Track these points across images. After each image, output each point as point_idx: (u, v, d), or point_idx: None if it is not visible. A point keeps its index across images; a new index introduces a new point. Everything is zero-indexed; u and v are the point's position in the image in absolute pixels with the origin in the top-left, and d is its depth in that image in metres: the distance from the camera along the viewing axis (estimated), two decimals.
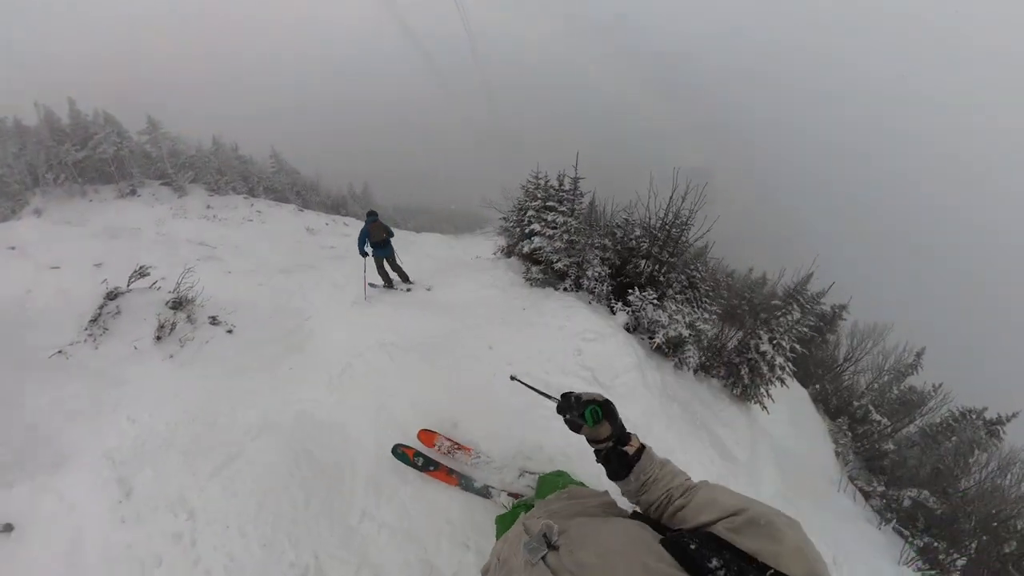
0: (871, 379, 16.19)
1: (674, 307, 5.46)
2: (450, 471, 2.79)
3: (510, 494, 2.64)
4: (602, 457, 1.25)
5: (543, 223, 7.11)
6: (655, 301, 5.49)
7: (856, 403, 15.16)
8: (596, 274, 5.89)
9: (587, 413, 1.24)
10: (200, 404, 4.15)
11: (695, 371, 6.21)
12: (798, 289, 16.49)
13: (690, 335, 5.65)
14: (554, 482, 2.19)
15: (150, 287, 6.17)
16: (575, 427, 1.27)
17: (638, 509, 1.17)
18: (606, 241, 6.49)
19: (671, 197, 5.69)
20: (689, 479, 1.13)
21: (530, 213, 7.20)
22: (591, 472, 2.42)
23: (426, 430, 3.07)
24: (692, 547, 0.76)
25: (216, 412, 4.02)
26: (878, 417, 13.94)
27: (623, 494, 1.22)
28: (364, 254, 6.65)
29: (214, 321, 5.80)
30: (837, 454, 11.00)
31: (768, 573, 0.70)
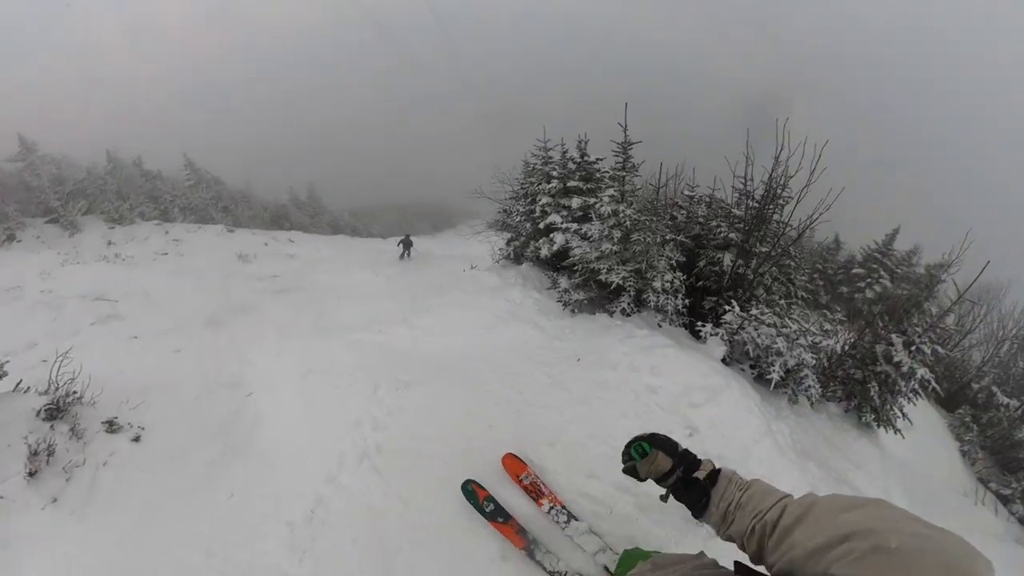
0: (988, 353, 15.36)
1: (794, 324, 4.57)
2: (520, 529, 2.73)
3: None
4: (677, 493, 1.36)
5: (565, 214, 6.20)
6: (766, 317, 4.58)
7: (975, 385, 14.43)
8: (666, 284, 4.98)
9: (633, 451, 1.44)
10: None
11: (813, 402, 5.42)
12: (883, 251, 15.69)
13: (815, 360, 4.82)
14: (638, 555, 2.26)
15: (14, 389, 5.17)
16: (633, 473, 1.46)
17: (745, 560, 1.12)
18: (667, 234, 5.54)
19: (775, 158, 4.72)
20: (787, 496, 1.11)
21: (544, 201, 6.28)
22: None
23: (513, 455, 3.10)
24: None
25: None
26: (1005, 399, 13.22)
27: (717, 533, 1.24)
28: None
29: (112, 427, 4.82)
30: (963, 454, 10.41)
31: None
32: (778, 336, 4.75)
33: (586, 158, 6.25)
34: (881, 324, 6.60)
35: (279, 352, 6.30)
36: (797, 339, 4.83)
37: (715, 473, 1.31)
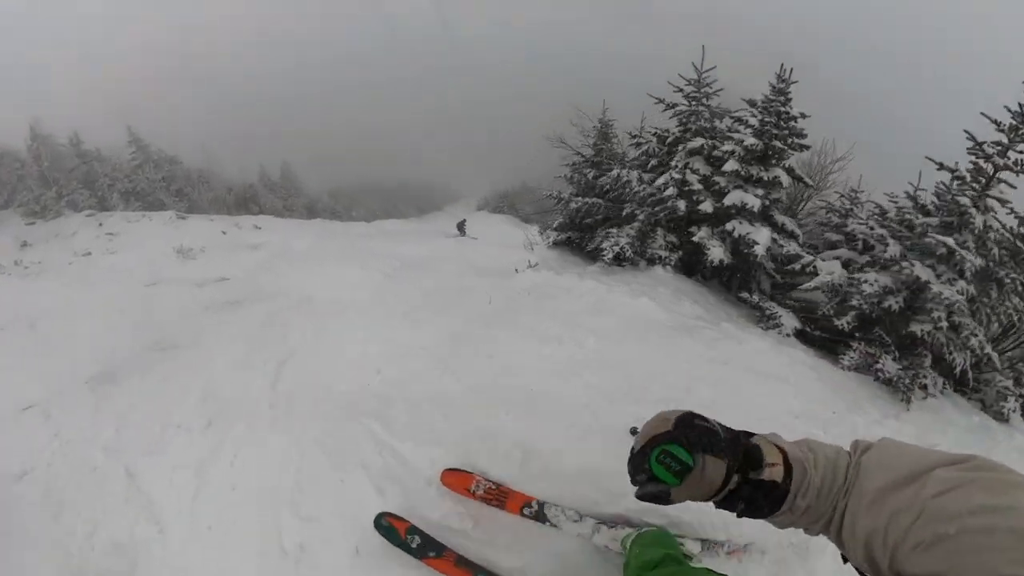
0: None
1: None
2: (459, 560, 2.18)
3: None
4: (740, 504, 0.79)
5: (760, 193, 3.21)
6: None
7: None
8: (983, 341, 2.40)
9: (652, 462, 0.76)
10: None
11: None
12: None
13: None
14: (650, 553, 1.91)
15: None
16: (659, 497, 0.78)
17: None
18: None
19: None
20: (848, 457, 0.76)
21: (730, 167, 3.26)
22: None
23: (454, 469, 2.53)
24: None
25: None
26: None
27: (783, 527, 0.87)
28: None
29: None
30: None
31: None
32: None
33: (788, 109, 3.38)
34: None
35: (215, 446, 3.22)
36: None
37: (789, 467, 0.75)
